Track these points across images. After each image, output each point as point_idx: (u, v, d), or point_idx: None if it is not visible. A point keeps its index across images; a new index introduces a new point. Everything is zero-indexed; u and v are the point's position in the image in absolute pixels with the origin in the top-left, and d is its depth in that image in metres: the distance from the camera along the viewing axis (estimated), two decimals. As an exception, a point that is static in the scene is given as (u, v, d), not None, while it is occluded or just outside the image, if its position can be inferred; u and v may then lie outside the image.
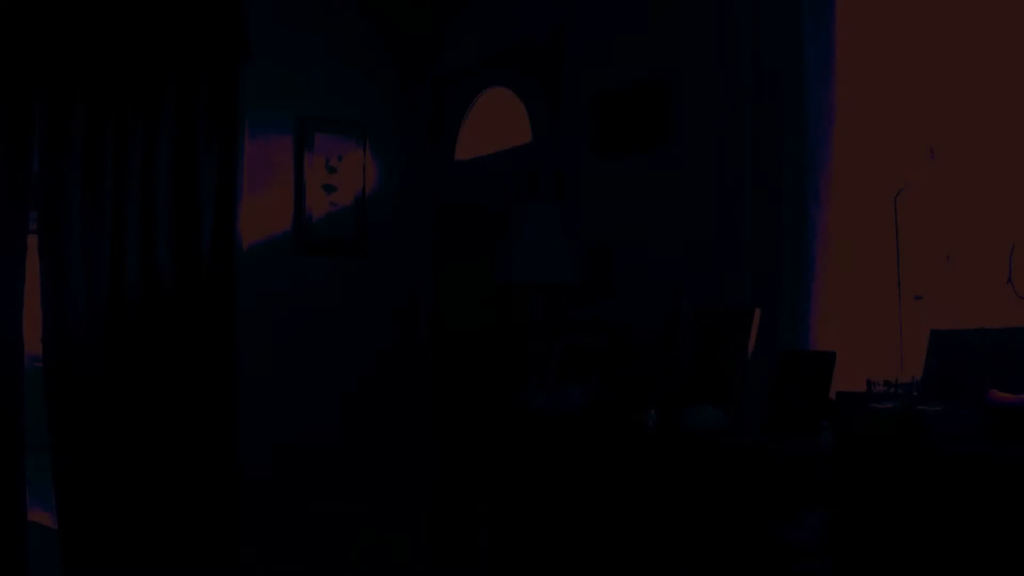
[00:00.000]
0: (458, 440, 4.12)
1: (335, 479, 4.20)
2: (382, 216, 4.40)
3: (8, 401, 3.42)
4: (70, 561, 3.52)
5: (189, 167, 3.84)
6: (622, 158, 3.37)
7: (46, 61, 3.54)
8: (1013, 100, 2.24)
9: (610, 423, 2.73)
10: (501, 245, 3.31)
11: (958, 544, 1.72)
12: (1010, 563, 1.64)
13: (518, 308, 3.48)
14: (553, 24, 3.70)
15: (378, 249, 4.38)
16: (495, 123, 4.16)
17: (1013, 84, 2.24)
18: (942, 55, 2.39)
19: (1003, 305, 2.10)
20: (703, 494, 2.29)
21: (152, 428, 3.70)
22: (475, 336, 4.14)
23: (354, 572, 4.19)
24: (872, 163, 2.51)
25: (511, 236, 3.25)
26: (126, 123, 3.71)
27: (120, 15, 3.67)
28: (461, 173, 4.31)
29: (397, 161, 4.47)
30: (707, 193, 2.94)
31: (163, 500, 3.70)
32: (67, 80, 3.58)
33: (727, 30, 2.81)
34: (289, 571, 4.05)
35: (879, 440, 1.91)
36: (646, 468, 2.45)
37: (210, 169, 3.89)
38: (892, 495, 1.85)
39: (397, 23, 4.49)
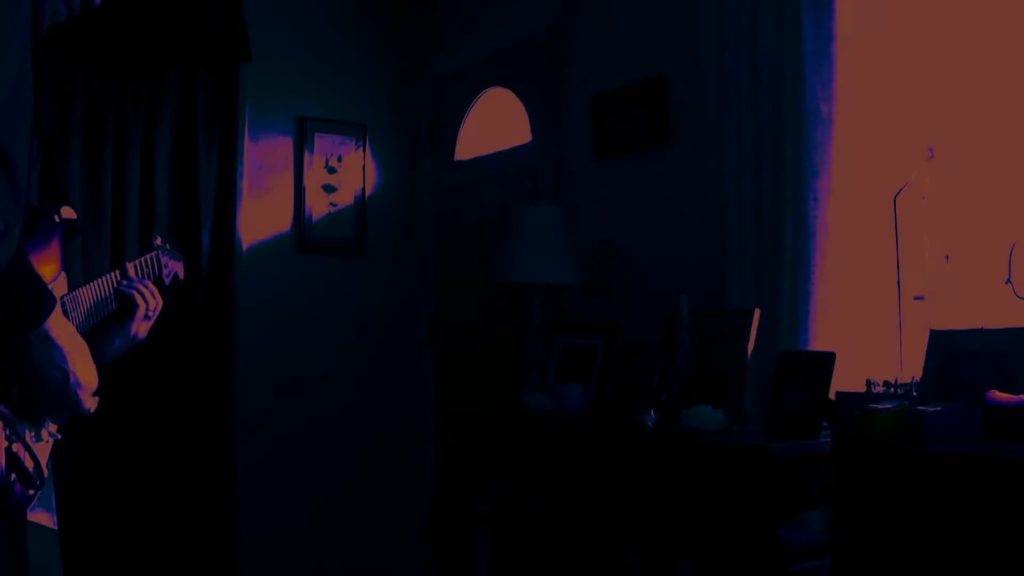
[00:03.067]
0: (458, 440, 4.11)
1: (335, 479, 4.20)
2: (382, 216, 4.40)
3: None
4: (71, 562, 3.52)
5: (189, 167, 3.85)
6: (622, 158, 3.37)
7: (44, 58, 3.53)
8: (1013, 100, 2.24)
9: (610, 423, 2.73)
10: (501, 245, 3.31)
11: (958, 544, 1.72)
12: (1010, 563, 1.64)
13: (518, 308, 3.48)
14: (553, 24, 3.70)
15: (378, 249, 4.38)
16: (495, 123, 4.16)
17: (1013, 84, 2.24)
18: (942, 55, 2.38)
19: (1003, 305, 2.09)
20: (703, 494, 2.28)
21: (150, 428, 3.70)
22: (475, 336, 4.14)
23: (354, 573, 4.19)
24: (872, 163, 2.51)
25: (511, 236, 3.25)
26: (125, 123, 3.71)
27: (120, 16, 3.67)
28: (461, 173, 4.31)
29: (397, 161, 4.47)
30: (707, 193, 2.94)
31: (163, 500, 3.70)
32: (66, 77, 3.58)
33: (727, 30, 2.81)
34: (289, 571, 4.05)
35: (879, 440, 1.91)
36: (646, 468, 2.45)
37: (210, 169, 3.89)
38: (892, 495, 1.85)
39: (397, 23, 4.49)
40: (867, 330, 2.47)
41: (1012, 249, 2.04)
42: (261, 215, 4.09)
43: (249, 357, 3.97)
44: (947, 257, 2.25)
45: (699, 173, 3.01)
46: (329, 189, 4.25)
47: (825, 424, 2.28)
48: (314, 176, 4.22)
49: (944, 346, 2.12)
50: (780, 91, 2.67)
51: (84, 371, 1.35)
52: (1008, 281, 2.04)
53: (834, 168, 2.58)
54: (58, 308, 1.31)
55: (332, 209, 4.26)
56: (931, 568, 1.77)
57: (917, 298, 2.30)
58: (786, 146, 2.66)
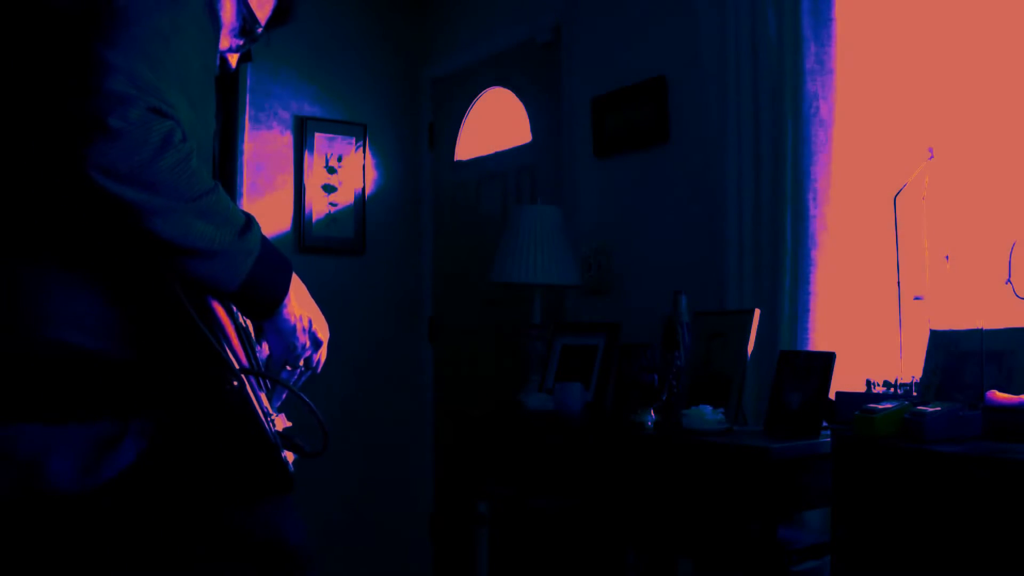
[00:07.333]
0: (458, 440, 4.12)
1: (334, 479, 4.20)
2: (382, 216, 4.40)
3: None
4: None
5: (189, 167, 3.85)
6: (622, 158, 3.37)
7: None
8: (1013, 100, 2.24)
9: (609, 423, 2.73)
10: (501, 245, 3.30)
11: (957, 544, 1.72)
12: (1010, 563, 1.64)
13: (518, 308, 3.48)
14: (553, 24, 3.70)
15: (378, 249, 4.38)
16: (495, 123, 4.16)
17: (1013, 84, 2.24)
18: (942, 55, 2.38)
19: (1003, 305, 2.09)
20: (703, 494, 2.28)
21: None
22: (475, 336, 4.14)
23: (354, 572, 4.19)
24: (872, 163, 2.51)
25: (511, 236, 3.25)
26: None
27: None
28: (461, 173, 4.31)
29: (397, 161, 4.47)
30: (707, 192, 2.94)
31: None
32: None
33: (727, 30, 2.81)
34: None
35: (879, 440, 1.91)
36: (645, 468, 2.45)
37: (209, 169, 3.89)
38: (891, 495, 1.85)
39: (397, 23, 4.49)
40: (867, 330, 2.47)
41: (1012, 249, 2.04)
42: (261, 215, 4.03)
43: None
44: (947, 257, 2.25)
45: (699, 173, 3.01)
46: (329, 189, 4.26)
47: (825, 424, 2.28)
48: (314, 176, 4.22)
49: (944, 346, 2.12)
50: (780, 91, 2.67)
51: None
52: (1008, 281, 2.04)
53: (834, 168, 2.58)
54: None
55: (332, 209, 4.27)
56: (931, 568, 1.77)
57: (917, 298, 2.30)
58: (786, 146, 2.66)
